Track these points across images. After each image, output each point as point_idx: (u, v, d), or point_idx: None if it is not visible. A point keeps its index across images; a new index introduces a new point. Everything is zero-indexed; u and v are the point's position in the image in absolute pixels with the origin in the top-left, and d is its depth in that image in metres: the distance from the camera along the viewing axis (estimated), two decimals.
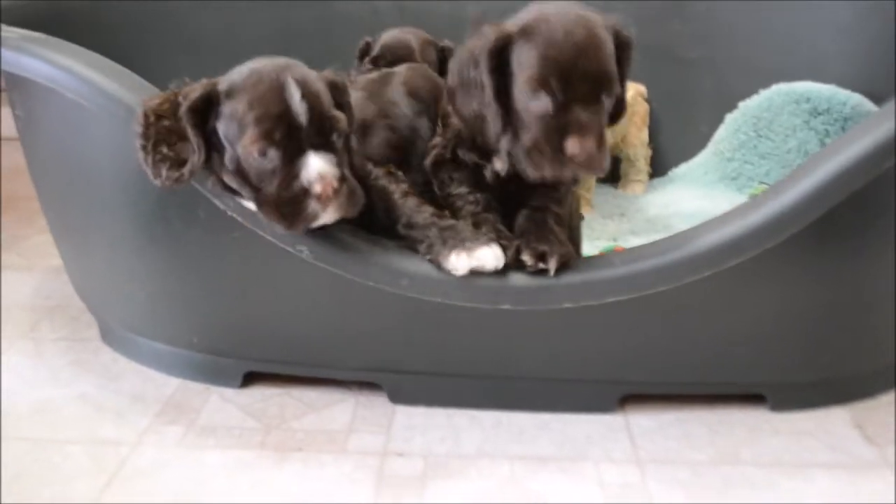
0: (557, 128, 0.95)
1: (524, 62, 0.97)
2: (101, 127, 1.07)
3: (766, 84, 1.76)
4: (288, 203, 0.95)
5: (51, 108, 1.11)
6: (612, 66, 0.98)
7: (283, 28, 1.89)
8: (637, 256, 1.02)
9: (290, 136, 0.94)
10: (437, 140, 1.13)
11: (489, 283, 1.02)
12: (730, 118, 1.77)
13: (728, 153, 1.75)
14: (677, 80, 1.87)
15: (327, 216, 0.96)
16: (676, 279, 1.01)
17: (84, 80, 1.02)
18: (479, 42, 0.99)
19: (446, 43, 1.51)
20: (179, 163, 0.96)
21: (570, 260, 1.02)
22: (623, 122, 1.72)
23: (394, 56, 1.43)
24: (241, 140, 0.95)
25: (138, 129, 0.96)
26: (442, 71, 1.37)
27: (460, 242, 1.00)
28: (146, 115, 0.96)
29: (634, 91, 1.74)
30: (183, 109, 0.96)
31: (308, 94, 0.95)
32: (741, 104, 1.76)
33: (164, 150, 0.95)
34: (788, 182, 1.01)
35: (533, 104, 0.97)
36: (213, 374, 1.21)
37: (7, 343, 1.33)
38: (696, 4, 1.89)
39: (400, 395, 1.17)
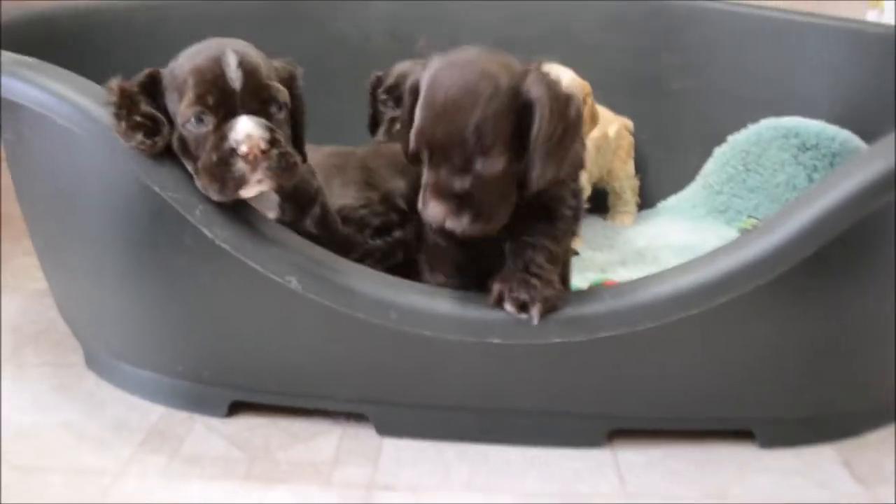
0: (426, 187, 0.96)
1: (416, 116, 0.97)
2: (91, 152, 1.06)
3: (754, 118, 1.77)
4: (218, 165, 0.96)
5: (40, 132, 1.10)
6: (485, 129, 0.92)
7: (278, 50, 1.89)
8: (626, 292, 1.02)
9: (223, 100, 0.96)
10: None
11: (478, 316, 1.01)
12: (718, 151, 1.78)
13: (717, 186, 1.76)
14: (667, 112, 1.88)
15: (257, 181, 0.97)
16: (666, 316, 1.01)
17: (75, 106, 1.02)
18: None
19: None
20: (154, 132, 0.98)
21: (556, 304, 1.01)
22: (608, 155, 1.74)
23: None
24: (180, 107, 0.97)
25: (112, 100, 0.98)
26: None
27: None
28: (121, 90, 0.99)
29: (619, 125, 1.76)
30: (134, 87, 0.99)
31: (244, 63, 0.98)
32: (730, 138, 1.77)
33: (138, 118, 0.98)
34: (778, 219, 1.01)
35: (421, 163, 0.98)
36: (199, 403, 1.19)
37: None
38: (687, 38, 1.91)
39: (387, 427, 1.16)
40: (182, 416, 1.19)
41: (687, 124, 1.87)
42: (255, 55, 1.01)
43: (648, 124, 1.85)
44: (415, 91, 0.98)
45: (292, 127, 1.06)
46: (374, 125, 1.44)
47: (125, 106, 0.98)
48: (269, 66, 1.02)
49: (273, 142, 0.97)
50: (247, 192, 0.99)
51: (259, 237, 1.02)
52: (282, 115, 1.01)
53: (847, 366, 1.13)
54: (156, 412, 1.20)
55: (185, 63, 1.00)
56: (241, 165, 0.95)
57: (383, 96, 1.41)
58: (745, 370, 1.11)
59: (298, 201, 1.12)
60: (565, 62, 1.86)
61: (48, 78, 1.04)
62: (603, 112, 1.71)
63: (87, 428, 1.17)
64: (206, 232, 1.02)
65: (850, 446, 1.17)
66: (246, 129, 0.95)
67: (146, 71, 1.02)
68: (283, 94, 1.01)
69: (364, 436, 1.16)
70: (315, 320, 1.07)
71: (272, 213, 1.09)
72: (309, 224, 1.12)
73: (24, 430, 1.16)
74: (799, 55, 1.81)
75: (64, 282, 1.28)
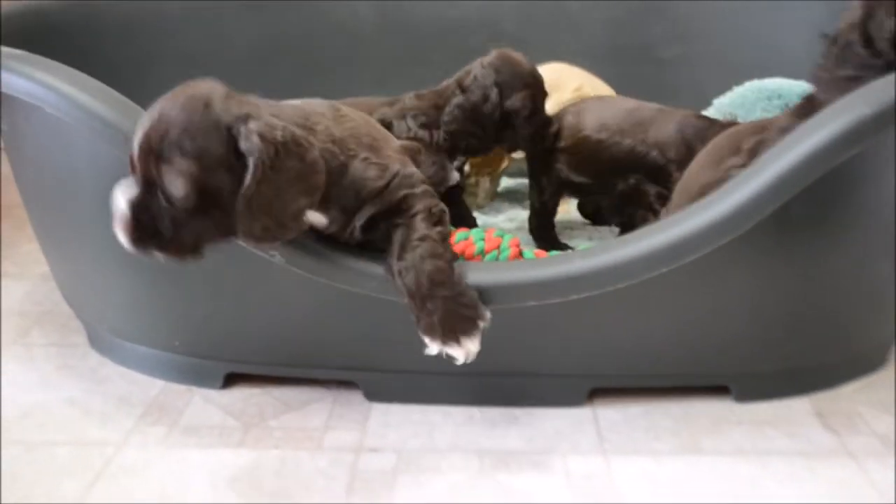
0: None
1: None
2: (81, 140, 1.11)
3: (740, 81, 1.80)
4: None
5: (33, 122, 1.15)
6: None
7: (271, 35, 1.94)
8: (597, 254, 1.06)
9: (132, 161, 0.94)
10: None
11: None
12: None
13: None
14: (654, 78, 1.92)
15: (125, 243, 0.95)
16: (636, 276, 1.05)
17: (63, 96, 1.06)
18: None
19: None
20: None
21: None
22: None
23: None
24: None
25: None
26: None
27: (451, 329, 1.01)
28: None
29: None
30: None
31: (149, 126, 0.92)
32: (715, 101, 1.79)
33: None
34: (742, 178, 1.04)
35: None
36: (196, 376, 1.25)
37: None
38: (675, 5, 1.94)
39: (375, 393, 1.21)
40: (181, 388, 1.25)
41: (674, 90, 1.89)
42: (174, 116, 0.92)
43: (636, 91, 1.86)
44: None
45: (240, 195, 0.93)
46: None
47: None
48: (184, 131, 0.91)
49: (133, 215, 0.93)
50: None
51: None
52: (175, 188, 0.91)
53: (820, 319, 1.17)
54: (156, 386, 1.26)
55: None
56: (118, 231, 0.95)
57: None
58: (719, 326, 1.15)
59: (343, 209, 1.04)
60: (552, 34, 1.91)
61: (37, 69, 1.09)
62: (595, 83, 1.76)
63: (91, 403, 1.22)
64: None
65: (824, 398, 1.21)
66: (115, 198, 0.94)
67: None
68: (174, 170, 0.90)
69: (354, 402, 1.21)
70: (303, 293, 1.12)
71: (321, 224, 1.05)
72: (355, 231, 1.06)
73: (30, 406, 1.22)
74: (785, 19, 1.84)
75: (64, 266, 1.33)
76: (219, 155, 0.92)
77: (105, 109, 1.05)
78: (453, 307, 1.01)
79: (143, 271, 1.18)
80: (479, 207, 1.80)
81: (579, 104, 1.56)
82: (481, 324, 1.03)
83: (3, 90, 1.11)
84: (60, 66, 1.11)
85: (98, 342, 1.36)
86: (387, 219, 1.05)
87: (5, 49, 1.15)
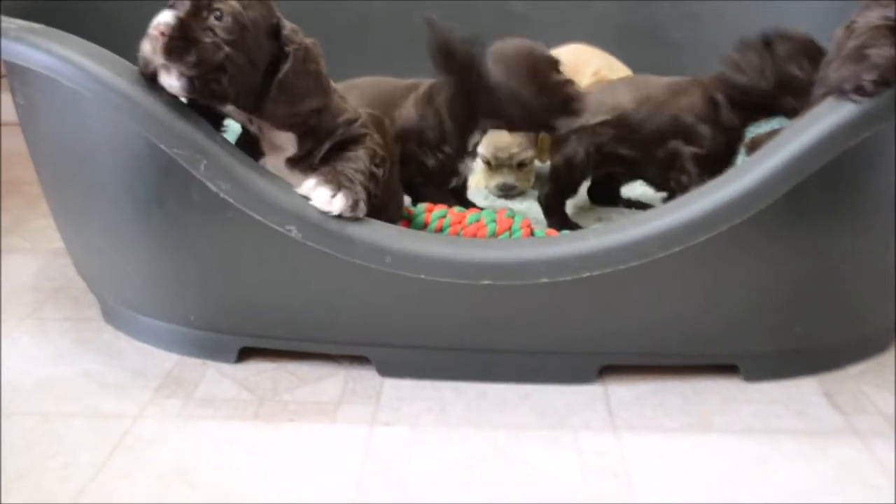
0: None
1: None
2: (98, 113, 1.11)
3: None
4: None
5: (49, 95, 1.15)
6: None
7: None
8: (609, 232, 1.07)
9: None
10: None
11: (469, 259, 1.07)
12: None
13: None
14: (662, 61, 1.91)
15: (159, 62, 1.04)
16: (648, 255, 1.06)
17: (80, 69, 1.06)
18: None
19: None
20: None
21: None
22: None
23: None
24: None
25: None
26: None
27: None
28: None
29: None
30: None
31: None
32: None
33: None
34: (755, 160, 1.05)
35: None
36: (210, 350, 1.26)
37: (13, 323, 1.39)
38: None
39: (388, 369, 1.22)
40: (195, 362, 1.26)
41: (682, 73, 1.89)
42: None
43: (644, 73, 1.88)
44: None
45: (275, 80, 1.09)
46: None
47: None
48: None
49: (180, 29, 1.02)
50: (162, 82, 1.05)
51: (260, 189, 1.07)
52: (221, 24, 1.04)
53: (828, 300, 1.18)
54: (171, 360, 1.27)
55: None
56: (146, 43, 1.04)
57: None
58: (728, 306, 1.16)
59: (317, 136, 1.15)
60: (560, 15, 1.91)
61: (53, 41, 1.08)
62: (612, 62, 1.76)
63: (107, 376, 1.23)
64: (210, 186, 1.07)
65: (832, 378, 1.22)
66: (161, 16, 1.03)
67: None
68: (227, 5, 1.05)
69: (366, 377, 1.22)
70: (317, 268, 1.13)
71: (291, 149, 1.15)
72: (316, 159, 1.16)
73: (46, 379, 1.23)
74: (796, 2, 1.84)
75: (79, 240, 1.34)
76: (265, 25, 1.10)
77: (122, 82, 1.05)
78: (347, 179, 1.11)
79: (158, 245, 1.19)
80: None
81: (612, 87, 1.57)
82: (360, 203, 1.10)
83: (19, 63, 1.12)
84: (77, 38, 1.11)
85: (112, 316, 1.37)
86: (342, 149, 1.16)
87: (21, 22, 1.15)
